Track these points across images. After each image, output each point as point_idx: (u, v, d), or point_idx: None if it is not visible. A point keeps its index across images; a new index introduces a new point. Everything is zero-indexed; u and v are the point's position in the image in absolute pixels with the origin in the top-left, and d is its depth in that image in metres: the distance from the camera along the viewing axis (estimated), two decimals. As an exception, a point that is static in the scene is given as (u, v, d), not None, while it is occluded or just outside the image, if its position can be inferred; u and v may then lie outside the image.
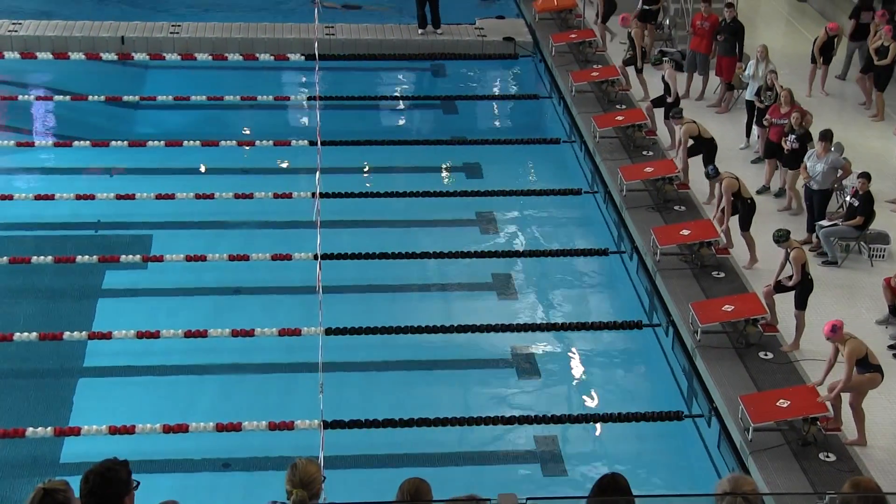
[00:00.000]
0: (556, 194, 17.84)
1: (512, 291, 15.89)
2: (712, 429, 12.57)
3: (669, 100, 18.01)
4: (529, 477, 12.61)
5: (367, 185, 18.26)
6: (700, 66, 19.99)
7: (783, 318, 13.76)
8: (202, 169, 18.79)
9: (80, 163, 19.07)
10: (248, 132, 20.34)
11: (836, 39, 19.90)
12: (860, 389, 11.80)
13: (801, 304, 13.40)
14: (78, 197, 16.96)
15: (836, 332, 11.86)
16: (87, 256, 15.53)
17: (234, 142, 19.03)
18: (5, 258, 15.51)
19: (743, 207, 15.01)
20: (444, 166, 19.44)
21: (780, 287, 13.57)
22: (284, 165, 19.02)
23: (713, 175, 15.37)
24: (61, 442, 12.59)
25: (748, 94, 18.33)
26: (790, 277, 13.49)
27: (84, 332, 14.11)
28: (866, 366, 11.77)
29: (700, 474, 12.48)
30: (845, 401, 12.06)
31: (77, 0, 24.94)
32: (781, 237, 13.62)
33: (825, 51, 19.82)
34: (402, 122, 22.28)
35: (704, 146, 16.59)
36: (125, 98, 20.65)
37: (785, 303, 14.23)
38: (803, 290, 13.41)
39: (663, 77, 18.30)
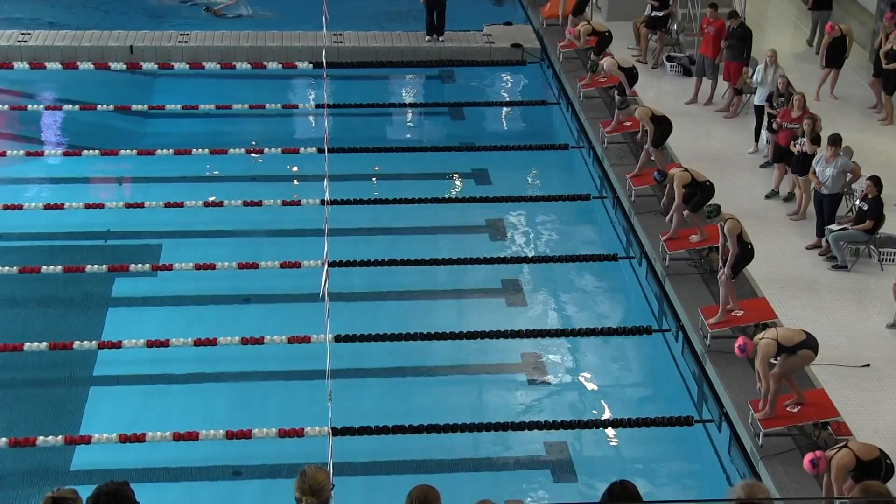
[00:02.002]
0: (565, 200, 17.85)
1: (521, 297, 15.88)
2: (723, 434, 12.54)
3: (618, 99, 18.03)
4: (539, 483, 12.57)
5: (376, 192, 18.26)
6: (708, 70, 19.97)
7: (781, 314, 13.71)
8: (210, 177, 18.83)
9: (90, 172, 19.13)
10: (256, 140, 20.37)
11: (847, 40, 19.79)
12: (792, 369, 11.79)
13: (733, 273, 13.38)
14: (87, 206, 17.00)
15: (744, 352, 11.81)
16: (96, 265, 15.56)
17: (243, 150, 19.06)
18: (15, 268, 15.56)
19: (701, 192, 14.96)
20: (452, 173, 19.45)
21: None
22: (293, 172, 19.02)
23: (660, 179, 15.30)
24: (72, 451, 12.62)
25: (757, 99, 18.30)
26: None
27: (94, 341, 14.15)
28: (791, 350, 11.63)
29: (711, 479, 12.45)
30: (845, 408, 12.05)
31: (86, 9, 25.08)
32: (712, 212, 13.53)
33: (837, 53, 19.73)
34: (410, 129, 22.30)
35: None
36: (134, 107, 20.71)
37: (785, 305, 14.21)
38: (741, 260, 13.39)
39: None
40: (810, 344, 11.74)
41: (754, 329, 13.37)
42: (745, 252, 13.44)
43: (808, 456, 10.38)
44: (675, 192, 14.99)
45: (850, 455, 10.09)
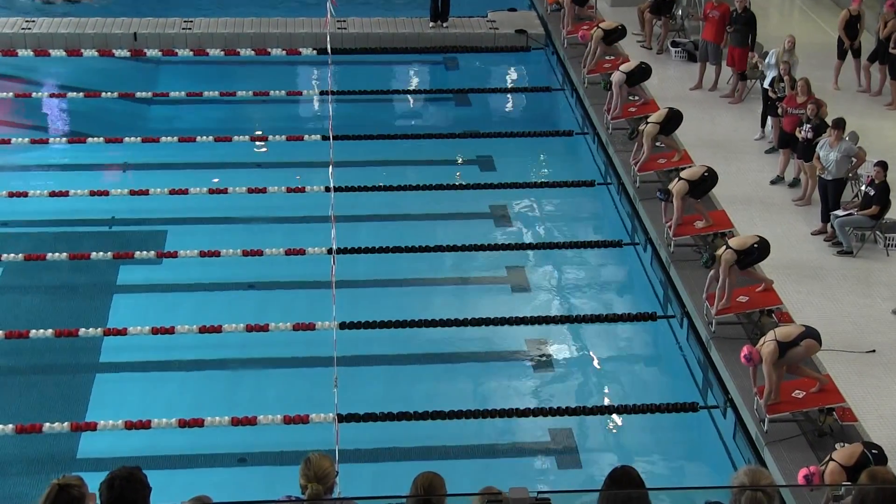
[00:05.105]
0: (570, 186, 17.82)
1: (525, 284, 15.87)
2: (727, 420, 12.54)
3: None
4: (544, 470, 12.61)
5: (381, 178, 18.25)
6: (712, 55, 19.90)
7: (786, 300, 13.69)
8: (215, 164, 18.82)
9: (94, 159, 19.12)
10: (260, 127, 20.36)
11: (859, 23, 19.65)
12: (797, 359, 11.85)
13: (746, 265, 13.39)
14: (92, 193, 17.01)
15: (751, 361, 11.80)
16: (101, 253, 15.57)
17: (247, 137, 19.04)
18: (20, 255, 15.59)
19: (702, 182, 14.92)
20: (457, 159, 19.43)
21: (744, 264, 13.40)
22: (298, 159, 19.00)
23: (663, 198, 15.17)
24: (78, 437, 12.66)
25: (766, 84, 18.20)
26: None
27: (99, 329, 14.17)
28: (793, 344, 11.66)
29: (716, 465, 12.45)
30: (850, 393, 12.03)
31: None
32: (707, 263, 13.91)
33: (850, 36, 19.56)
34: (414, 116, 22.26)
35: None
36: (138, 94, 20.69)
37: (790, 291, 14.20)
38: (753, 259, 13.33)
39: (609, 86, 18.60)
40: (811, 334, 11.77)
41: (759, 314, 13.37)
42: (752, 252, 13.31)
43: (803, 471, 10.43)
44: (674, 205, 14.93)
45: (837, 468, 10.13)
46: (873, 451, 10.27)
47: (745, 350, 11.84)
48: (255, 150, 19.25)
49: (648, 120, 16.89)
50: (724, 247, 13.34)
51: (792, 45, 18.03)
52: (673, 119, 16.76)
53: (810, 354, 11.97)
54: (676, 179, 15.07)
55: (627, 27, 20.72)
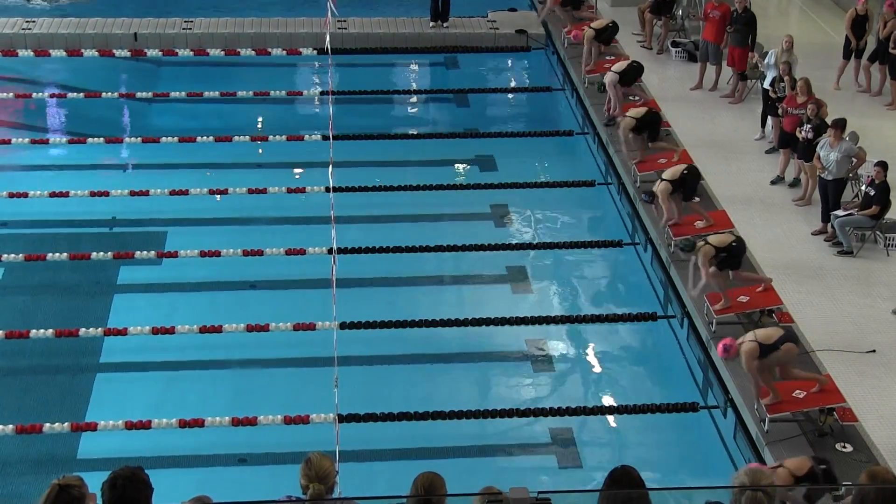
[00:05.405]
0: (570, 186, 17.81)
1: (526, 284, 15.88)
2: (728, 420, 12.55)
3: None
4: (545, 469, 12.60)
5: (380, 179, 18.25)
6: (712, 55, 19.91)
7: (786, 300, 13.70)
8: (215, 164, 18.83)
9: (94, 159, 19.12)
10: (261, 127, 20.35)
11: (867, 24, 19.62)
12: (780, 364, 11.85)
13: (725, 264, 13.44)
14: (92, 194, 17.00)
15: (728, 353, 11.86)
16: (101, 253, 15.58)
17: (248, 137, 19.04)
18: (21, 255, 15.59)
19: (683, 180, 14.92)
20: (457, 159, 19.42)
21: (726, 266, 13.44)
22: (298, 159, 19.01)
23: (649, 200, 15.22)
24: (78, 437, 12.65)
25: (766, 84, 18.21)
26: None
27: (99, 329, 14.17)
28: (773, 347, 11.69)
29: (716, 466, 12.45)
30: (851, 393, 12.03)
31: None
32: (687, 247, 13.71)
33: (857, 35, 19.53)
34: (414, 116, 22.27)
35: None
36: (138, 94, 20.70)
37: (790, 291, 14.20)
38: (728, 262, 13.43)
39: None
40: (790, 337, 11.86)
41: (759, 314, 13.38)
42: (730, 250, 13.33)
43: (751, 466, 10.49)
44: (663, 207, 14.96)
45: (786, 473, 10.17)
46: (821, 466, 10.27)
47: (725, 340, 11.88)
48: (256, 149, 19.24)
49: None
50: (703, 242, 13.42)
51: (790, 45, 18.06)
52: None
53: (790, 358, 11.95)
54: (658, 181, 15.11)
55: (628, 27, 20.72)
